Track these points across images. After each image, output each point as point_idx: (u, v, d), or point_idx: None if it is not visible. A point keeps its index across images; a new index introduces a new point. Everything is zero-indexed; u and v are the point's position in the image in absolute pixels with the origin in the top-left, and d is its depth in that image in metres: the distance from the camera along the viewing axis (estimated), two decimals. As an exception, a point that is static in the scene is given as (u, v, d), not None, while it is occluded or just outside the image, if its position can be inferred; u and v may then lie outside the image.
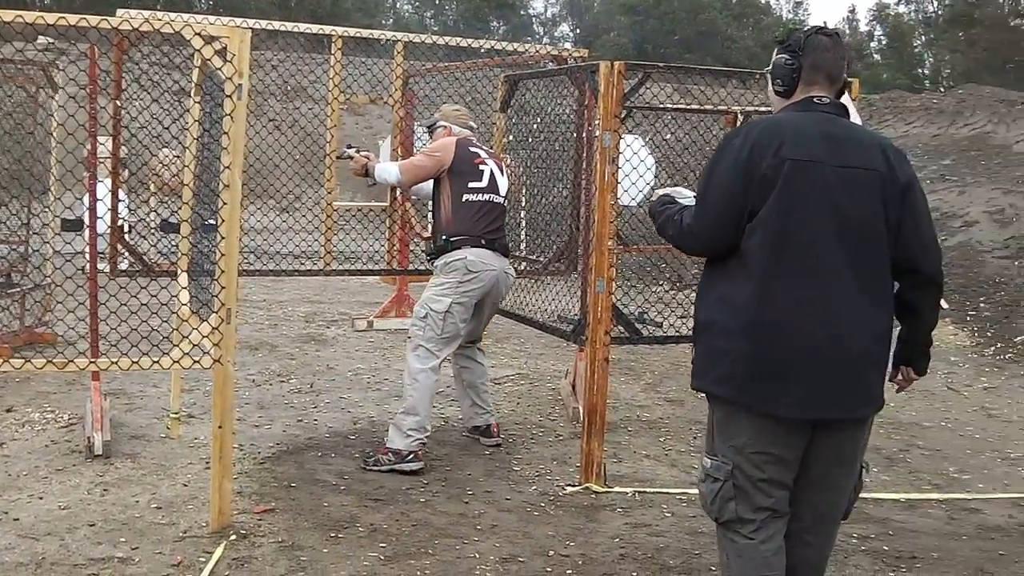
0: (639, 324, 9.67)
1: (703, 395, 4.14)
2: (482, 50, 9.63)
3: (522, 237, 9.12)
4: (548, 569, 5.19)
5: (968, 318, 12.08)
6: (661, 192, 4.33)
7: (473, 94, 9.37)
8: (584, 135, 7.50)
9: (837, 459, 4.00)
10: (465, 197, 6.73)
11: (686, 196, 4.22)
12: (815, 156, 3.80)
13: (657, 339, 7.21)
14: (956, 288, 12.51)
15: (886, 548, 5.68)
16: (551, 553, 5.38)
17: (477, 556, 5.30)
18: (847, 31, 66.03)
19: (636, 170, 7.02)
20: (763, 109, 8.92)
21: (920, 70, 59.61)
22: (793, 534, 4.08)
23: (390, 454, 6.47)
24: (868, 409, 3.95)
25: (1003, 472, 7.16)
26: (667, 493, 6.37)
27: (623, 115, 10.57)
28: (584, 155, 7.48)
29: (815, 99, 3.96)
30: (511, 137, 8.30)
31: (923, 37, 61.05)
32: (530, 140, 8.26)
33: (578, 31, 63.94)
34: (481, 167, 6.82)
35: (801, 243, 3.78)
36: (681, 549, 5.50)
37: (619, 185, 6.81)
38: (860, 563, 5.45)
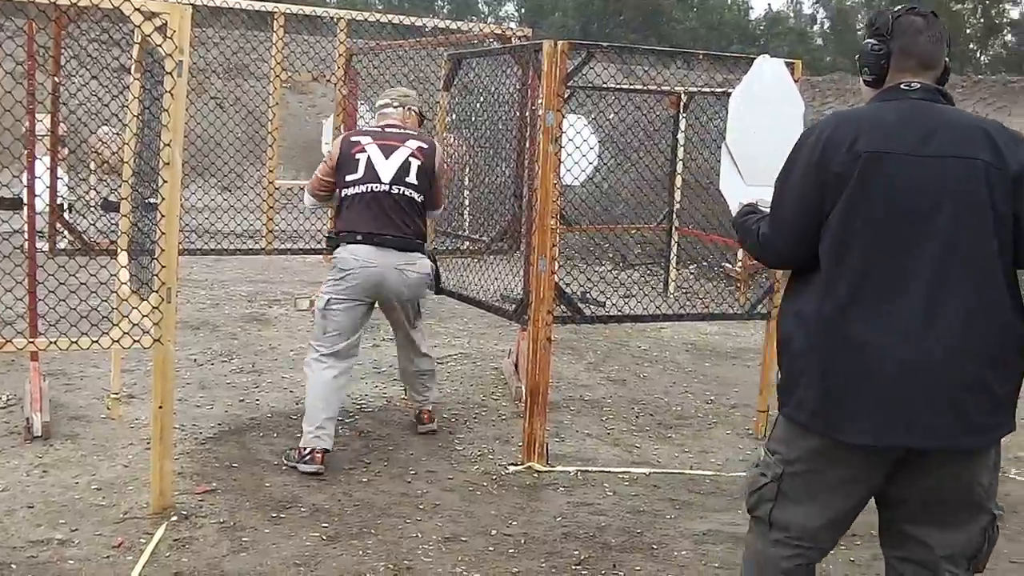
0: (582, 304, 9.71)
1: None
2: (427, 28, 9.60)
3: (465, 216, 9.12)
4: (490, 548, 5.20)
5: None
6: (746, 202, 4.00)
7: (417, 73, 9.35)
8: (527, 114, 7.49)
9: (936, 498, 3.48)
10: (344, 192, 6.42)
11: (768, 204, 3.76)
12: (895, 147, 3.37)
13: (600, 319, 7.21)
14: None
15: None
16: (493, 532, 5.39)
17: (419, 535, 5.30)
18: (791, 15, 66.31)
19: (579, 150, 7.01)
20: (706, 90, 9.00)
21: (862, 52, 60.03)
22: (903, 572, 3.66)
23: (297, 451, 6.29)
24: (967, 440, 3.36)
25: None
26: (609, 472, 6.40)
27: (566, 95, 10.59)
28: (527, 134, 7.47)
29: (903, 85, 3.53)
30: (454, 116, 8.28)
31: (866, 20, 61.55)
32: (473, 119, 8.24)
33: (523, 10, 63.79)
34: (358, 156, 6.40)
35: (875, 246, 3.36)
36: (623, 528, 5.53)
37: (562, 165, 6.82)
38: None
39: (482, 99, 8.01)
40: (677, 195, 11.20)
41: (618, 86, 10.31)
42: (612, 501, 5.93)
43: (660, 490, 6.14)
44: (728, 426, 7.59)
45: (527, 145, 7.44)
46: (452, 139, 8.58)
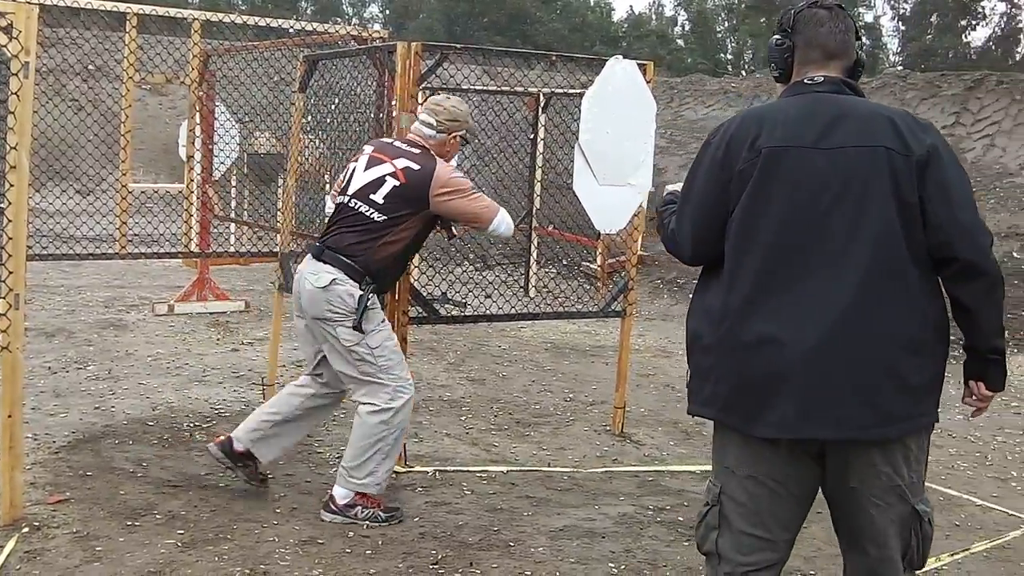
0: (442, 304, 9.72)
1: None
2: (284, 29, 9.54)
3: (326, 219, 9.08)
4: (348, 550, 5.19)
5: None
6: (670, 188, 3.91)
7: (272, 75, 9.29)
8: (383, 116, 7.49)
9: (854, 491, 3.45)
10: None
11: None
12: (794, 140, 3.37)
13: (456, 319, 7.24)
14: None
15: (681, 519, 5.86)
16: (351, 534, 5.39)
17: (276, 539, 5.27)
18: (653, 17, 67.12)
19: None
20: (559, 91, 9.09)
21: (723, 55, 61.03)
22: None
23: None
24: (878, 430, 3.32)
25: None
26: (467, 471, 6.45)
27: (426, 96, 10.59)
28: (383, 135, 7.46)
29: (806, 80, 3.52)
30: (309, 118, 8.24)
31: (726, 23, 62.47)
32: (329, 121, 8.21)
33: (388, 12, 63.64)
34: (350, 164, 5.90)
35: (777, 239, 3.35)
36: (480, 526, 5.58)
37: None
38: (656, 534, 5.60)
39: (337, 100, 7.99)
40: (537, 195, 11.28)
41: (475, 87, 10.35)
42: (470, 500, 5.98)
43: (517, 488, 6.20)
44: (586, 423, 7.69)
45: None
46: (307, 141, 8.55)
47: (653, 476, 6.56)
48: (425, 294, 6.70)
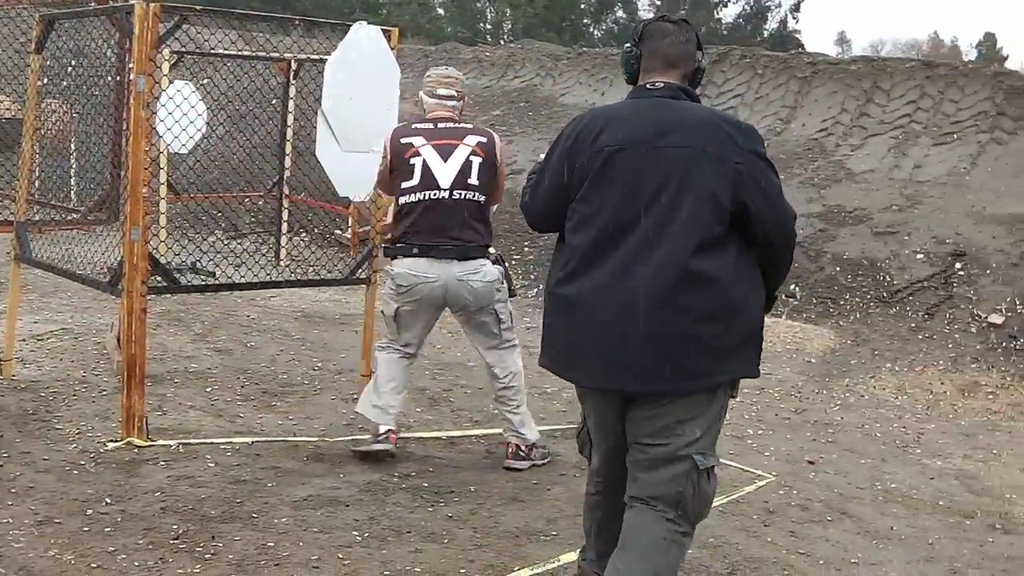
0: (192, 273, 9.52)
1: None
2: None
3: (72, 186, 8.78)
4: (86, 528, 5.04)
5: (514, 261, 12.62)
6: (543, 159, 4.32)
7: (15, 36, 8.88)
8: (124, 79, 7.26)
9: (647, 434, 3.98)
10: (401, 200, 6.06)
11: None
12: (631, 141, 3.89)
13: (197, 287, 7.11)
14: (503, 233, 12.98)
15: (426, 484, 5.92)
16: (89, 512, 5.23)
17: (11, 520, 5.08)
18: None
19: (187, 116, 6.88)
20: (302, 57, 8.99)
21: (483, 24, 61.23)
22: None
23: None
24: (675, 384, 3.87)
25: (540, 406, 7.54)
26: (211, 443, 6.33)
27: (175, 60, 10.31)
28: (124, 100, 7.24)
29: (648, 85, 4.03)
30: (46, 80, 7.92)
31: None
32: (66, 84, 7.91)
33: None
34: (412, 160, 6.01)
35: (604, 225, 3.89)
36: (223, 498, 5.50)
37: (170, 132, 6.67)
38: (400, 500, 5.64)
39: (74, 62, 7.71)
40: (288, 162, 11.15)
41: (224, 52, 10.16)
42: (213, 472, 5.88)
43: (262, 459, 6.13)
44: (333, 392, 7.66)
45: (125, 111, 7.22)
46: (56, 105, 8.26)
47: (399, 443, 6.58)
48: (172, 263, 6.55)
